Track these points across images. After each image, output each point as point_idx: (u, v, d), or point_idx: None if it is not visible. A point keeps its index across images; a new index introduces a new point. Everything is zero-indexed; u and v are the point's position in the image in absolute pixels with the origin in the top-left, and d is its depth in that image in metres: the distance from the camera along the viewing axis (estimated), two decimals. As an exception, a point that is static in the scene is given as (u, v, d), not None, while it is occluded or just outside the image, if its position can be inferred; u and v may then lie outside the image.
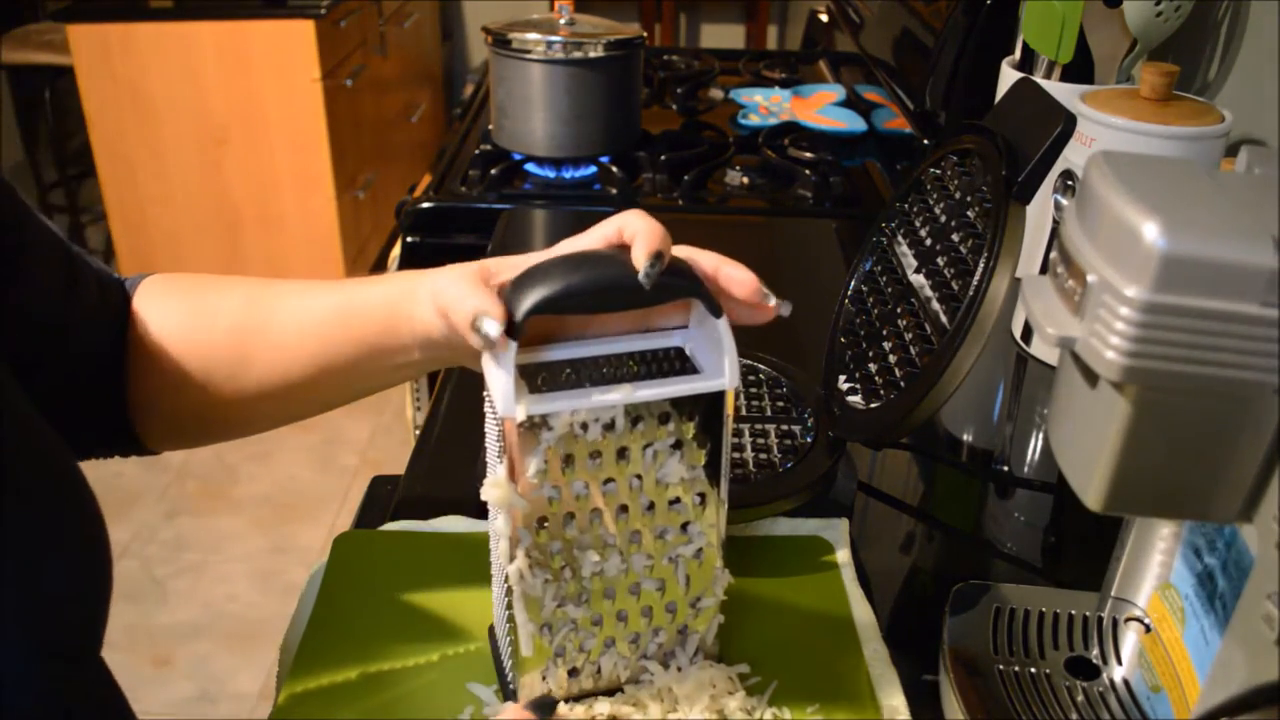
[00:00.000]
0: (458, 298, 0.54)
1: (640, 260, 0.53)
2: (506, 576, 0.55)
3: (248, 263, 2.93)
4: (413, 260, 1.34)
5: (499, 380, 0.52)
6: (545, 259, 0.55)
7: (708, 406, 0.56)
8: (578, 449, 0.54)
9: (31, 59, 3.07)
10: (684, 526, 0.58)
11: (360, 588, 0.69)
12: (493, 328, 0.51)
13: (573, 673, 0.59)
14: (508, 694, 0.60)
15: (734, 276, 0.60)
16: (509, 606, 0.56)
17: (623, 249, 0.55)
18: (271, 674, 0.67)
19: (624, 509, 0.56)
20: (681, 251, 0.58)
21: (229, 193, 2.86)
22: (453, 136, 1.61)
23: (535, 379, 0.56)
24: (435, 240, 1.35)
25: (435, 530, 0.74)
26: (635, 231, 0.54)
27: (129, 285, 0.70)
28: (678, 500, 0.57)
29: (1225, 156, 0.86)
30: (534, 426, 0.52)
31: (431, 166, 1.52)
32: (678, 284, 0.54)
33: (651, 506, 0.57)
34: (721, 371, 0.55)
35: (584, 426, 0.53)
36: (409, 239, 1.34)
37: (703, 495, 0.58)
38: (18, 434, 0.53)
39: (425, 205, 1.35)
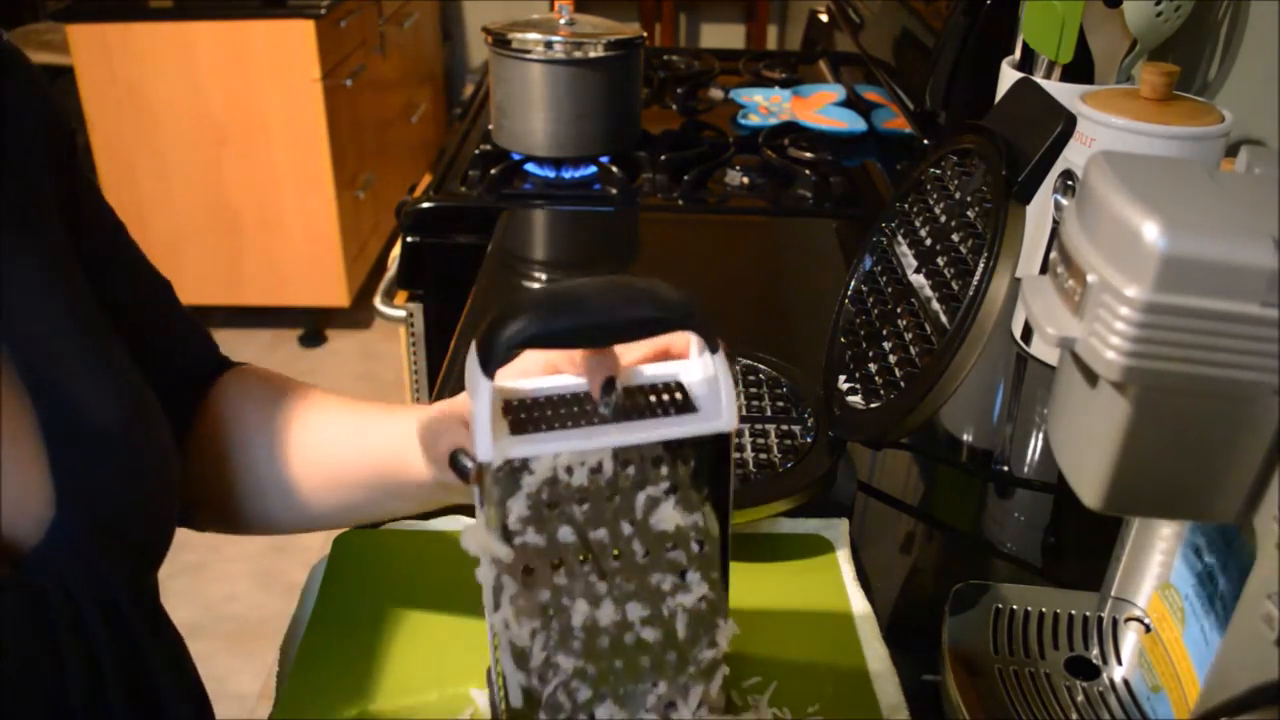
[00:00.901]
0: (434, 432, 0.55)
1: (595, 391, 0.51)
2: (493, 627, 0.52)
3: (248, 263, 2.93)
4: (413, 260, 1.34)
5: (477, 422, 0.48)
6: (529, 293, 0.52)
7: (707, 448, 0.52)
8: (562, 494, 0.50)
9: (31, 59, 3.07)
10: (682, 575, 0.54)
11: (360, 588, 0.69)
12: (468, 463, 0.50)
13: None
14: None
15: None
16: (497, 658, 0.54)
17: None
18: (271, 674, 0.67)
19: (616, 557, 0.53)
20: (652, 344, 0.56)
21: (229, 193, 2.85)
22: (453, 136, 1.61)
23: (523, 417, 0.52)
24: (435, 240, 1.35)
25: (435, 530, 0.74)
26: (589, 362, 0.52)
27: (213, 365, 0.71)
28: (674, 547, 0.53)
29: (1225, 156, 0.86)
30: (514, 470, 0.49)
31: (431, 166, 1.52)
32: (664, 318, 0.49)
33: (647, 554, 0.53)
34: (719, 412, 0.51)
35: (569, 470, 0.50)
36: (409, 239, 1.34)
37: (702, 542, 0.53)
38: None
39: (425, 205, 1.35)
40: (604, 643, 0.54)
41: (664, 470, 0.51)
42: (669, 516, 0.52)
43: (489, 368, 0.48)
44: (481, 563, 0.51)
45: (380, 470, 0.63)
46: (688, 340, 0.55)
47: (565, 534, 0.51)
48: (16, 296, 0.52)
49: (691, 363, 0.54)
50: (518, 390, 0.53)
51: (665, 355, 0.56)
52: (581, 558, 0.52)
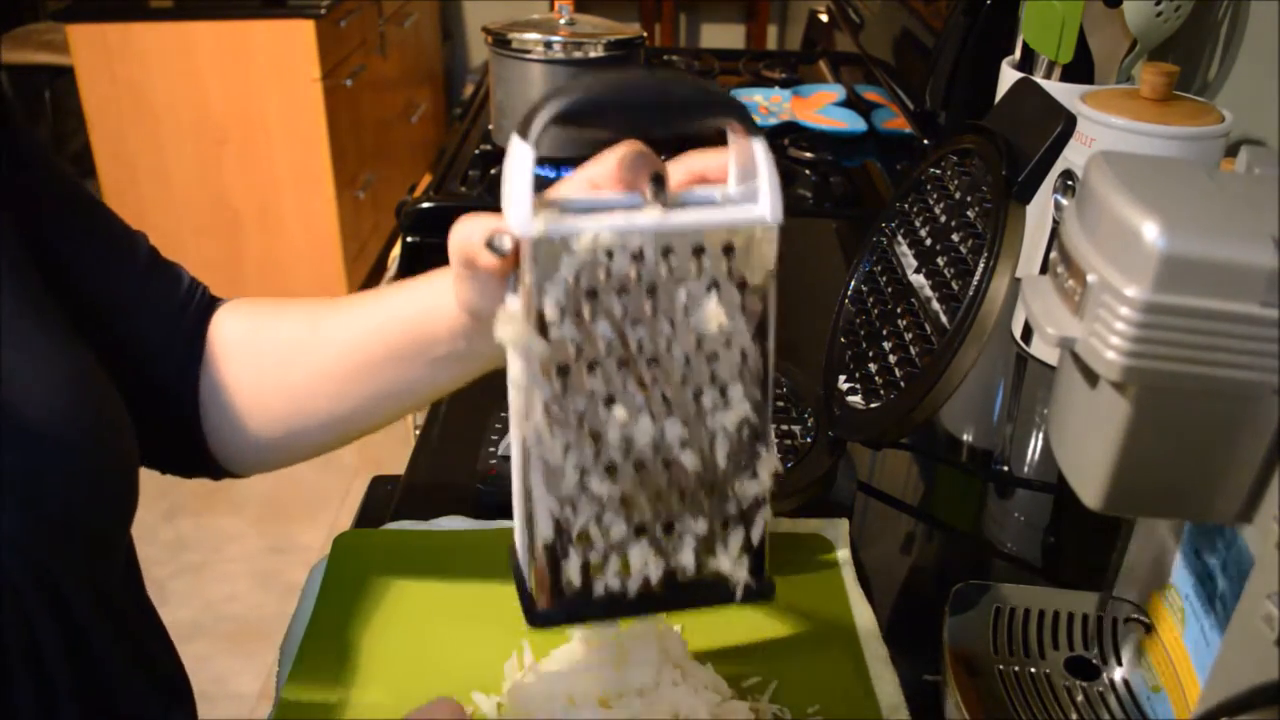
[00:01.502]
0: (467, 231, 0.51)
1: (643, 187, 0.49)
2: (523, 440, 0.48)
3: (248, 263, 2.93)
4: (413, 260, 1.34)
5: (515, 191, 0.46)
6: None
7: (748, 248, 0.49)
8: (603, 281, 0.47)
9: (31, 59, 3.07)
10: (724, 391, 0.50)
11: (360, 588, 0.69)
12: (505, 240, 0.47)
13: (594, 572, 0.51)
14: (530, 610, 0.52)
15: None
16: (526, 479, 0.49)
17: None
18: (271, 674, 0.67)
19: (655, 362, 0.49)
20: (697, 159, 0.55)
21: (229, 193, 2.85)
22: (453, 136, 1.61)
23: (569, 212, 0.48)
24: (435, 240, 1.34)
25: (435, 530, 0.74)
26: (628, 164, 0.51)
27: (205, 306, 0.70)
28: (716, 357, 0.50)
29: (1225, 156, 0.86)
30: (553, 250, 0.46)
31: (431, 166, 1.52)
32: (710, 98, 0.48)
33: (688, 362, 0.49)
34: (762, 202, 0.48)
35: (609, 254, 0.47)
36: (409, 239, 1.34)
37: (745, 354, 0.50)
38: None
39: (425, 205, 1.35)
40: (640, 466, 0.50)
41: (706, 263, 0.48)
42: (712, 314, 0.49)
43: (528, 134, 0.46)
44: (512, 362, 0.48)
45: (410, 333, 0.61)
46: (723, 168, 0.52)
47: (603, 329, 0.48)
48: None
49: (731, 187, 0.52)
50: (559, 199, 0.49)
51: (703, 183, 0.54)
52: (619, 361, 0.49)
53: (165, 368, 0.62)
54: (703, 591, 0.53)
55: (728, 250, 0.49)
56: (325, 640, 0.65)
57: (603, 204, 0.49)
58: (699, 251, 0.48)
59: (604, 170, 0.53)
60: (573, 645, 0.61)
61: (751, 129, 0.49)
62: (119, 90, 2.73)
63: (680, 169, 0.55)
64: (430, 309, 0.60)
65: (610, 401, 0.49)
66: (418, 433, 0.95)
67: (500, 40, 1.36)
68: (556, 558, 0.50)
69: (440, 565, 0.70)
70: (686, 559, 0.52)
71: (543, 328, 0.47)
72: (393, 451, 2.85)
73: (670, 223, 0.48)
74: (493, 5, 3.69)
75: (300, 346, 0.66)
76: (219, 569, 2.25)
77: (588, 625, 0.54)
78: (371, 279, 3.08)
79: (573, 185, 0.55)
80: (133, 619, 0.60)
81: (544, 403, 0.48)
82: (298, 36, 2.67)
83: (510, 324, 0.47)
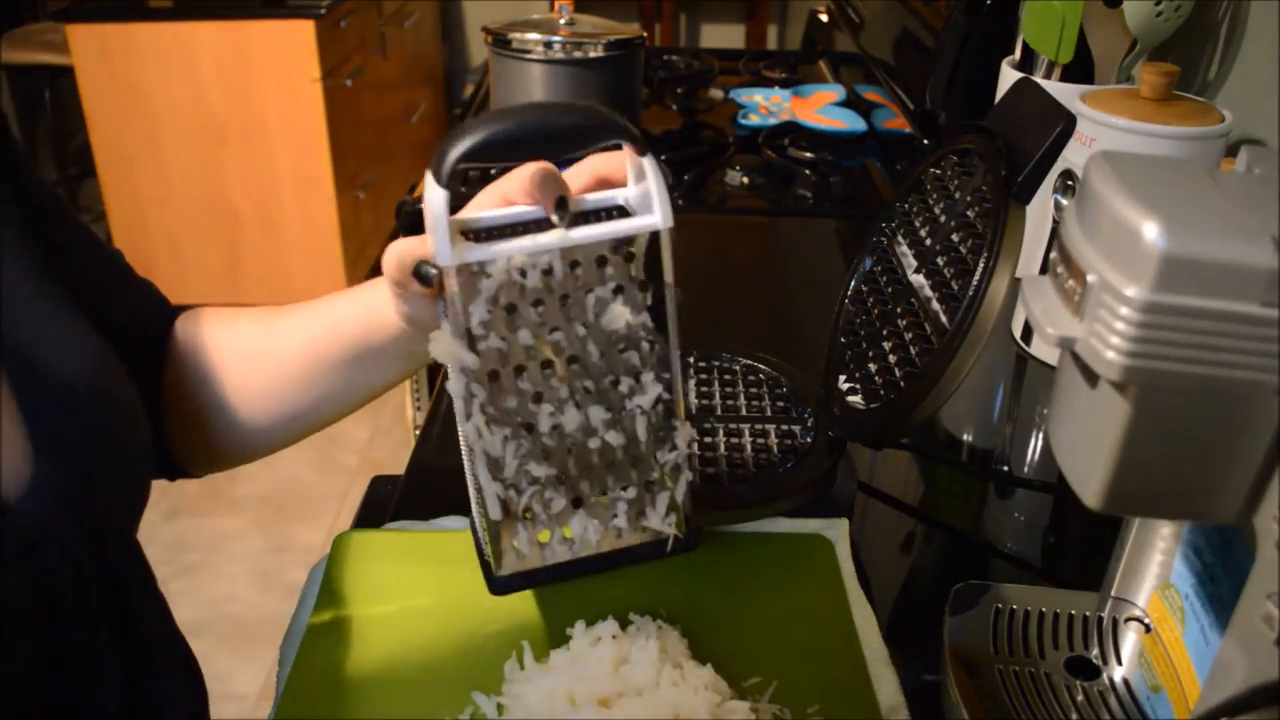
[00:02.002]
0: (397, 256, 0.57)
1: (549, 209, 0.55)
2: (466, 437, 0.55)
3: (248, 263, 2.93)
4: (413, 260, 1.34)
5: (435, 227, 0.52)
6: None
7: (647, 251, 0.56)
8: (519, 297, 0.54)
9: (31, 59, 3.07)
10: (637, 377, 0.58)
11: (360, 588, 0.69)
12: (430, 270, 0.54)
13: (541, 541, 0.59)
14: (490, 577, 0.60)
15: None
16: (474, 470, 0.56)
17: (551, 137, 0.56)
18: (271, 674, 0.67)
19: (575, 360, 0.56)
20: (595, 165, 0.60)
21: (229, 193, 2.85)
22: (453, 136, 1.61)
23: (485, 235, 0.56)
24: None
25: (436, 530, 0.74)
26: (536, 182, 0.56)
27: (169, 314, 0.74)
28: (627, 348, 0.57)
29: (1225, 156, 0.86)
30: (472, 275, 0.53)
31: (431, 166, 1.51)
32: (599, 124, 0.55)
33: (602, 356, 0.57)
34: (654, 212, 0.55)
35: (523, 273, 0.54)
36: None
37: (653, 343, 0.57)
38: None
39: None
40: (571, 448, 0.58)
41: (610, 270, 0.56)
42: (618, 314, 0.56)
43: (440, 177, 0.52)
44: (450, 373, 0.55)
45: (354, 339, 0.66)
46: (622, 168, 0.59)
47: (525, 337, 0.55)
48: None
49: (630, 188, 0.59)
50: (474, 219, 0.57)
51: (602, 182, 0.60)
52: (543, 363, 0.56)
53: (135, 370, 0.64)
54: (638, 549, 0.61)
55: (628, 257, 0.56)
56: (325, 640, 0.65)
57: (514, 218, 0.57)
58: (602, 261, 0.55)
59: (515, 185, 0.59)
60: (573, 646, 0.61)
61: (640, 147, 0.56)
62: (119, 90, 2.73)
63: (583, 172, 0.61)
64: (373, 316, 0.65)
65: (539, 397, 0.56)
66: (418, 433, 0.95)
67: (500, 40, 1.36)
68: (508, 533, 0.58)
69: (440, 565, 0.70)
70: (621, 521, 0.60)
71: (471, 343, 0.54)
72: (393, 452, 2.87)
73: (574, 239, 0.54)
74: (493, 5, 3.69)
75: (255, 352, 0.70)
76: (219, 569, 2.26)
77: (543, 586, 0.61)
78: (371, 279, 3.08)
79: (488, 198, 0.61)
80: (154, 586, 0.63)
81: (480, 405, 0.55)
82: (298, 36, 2.67)
83: (442, 343, 0.54)
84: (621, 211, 0.58)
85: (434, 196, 0.53)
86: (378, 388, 0.71)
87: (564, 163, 0.58)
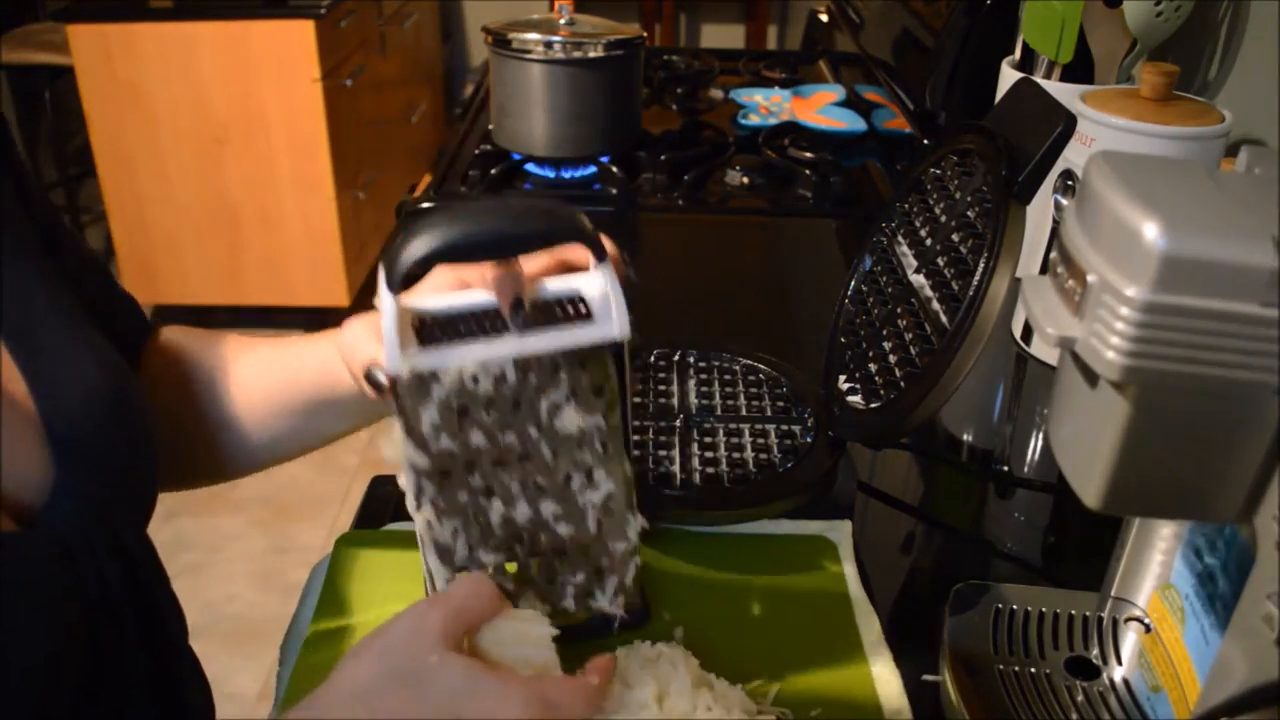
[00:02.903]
0: (351, 347, 0.57)
1: (505, 309, 0.54)
2: (417, 527, 0.56)
3: (248, 263, 2.93)
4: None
5: (386, 335, 0.52)
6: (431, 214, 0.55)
7: (600, 360, 0.55)
8: (471, 401, 0.54)
9: (31, 59, 3.07)
10: (589, 474, 0.58)
11: (361, 588, 0.69)
12: (380, 374, 0.53)
13: None
14: None
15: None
16: (424, 555, 0.57)
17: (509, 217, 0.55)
18: (271, 674, 0.67)
19: (526, 458, 0.56)
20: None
21: (229, 193, 2.85)
22: (453, 136, 1.61)
23: (434, 332, 0.55)
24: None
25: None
26: (493, 280, 0.55)
27: (148, 329, 0.75)
28: (580, 447, 0.57)
29: (1225, 156, 0.86)
30: (424, 380, 0.53)
31: (431, 166, 1.52)
32: (555, 229, 0.54)
33: (555, 455, 0.56)
34: (610, 319, 0.55)
35: (474, 379, 0.53)
36: (409, 239, 1.34)
37: (604, 443, 0.57)
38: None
39: (425, 205, 1.35)
40: (522, 539, 0.58)
41: (563, 376, 0.55)
42: (571, 419, 0.56)
43: (394, 285, 0.52)
44: (401, 469, 0.55)
45: (315, 391, 0.67)
46: (585, 252, 0.57)
47: (477, 439, 0.55)
48: (4, 272, 0.56)
49: (591, 276, 0.57)
50: (429, 307, 0.56)
51: (564, 265, 0.60)
52: (494, 461, 0.56)
53: None
54: (584, 626, 0.61)
55: (582, 364, 0.55)
56: (325, 641, 0.65)
57: (469, 308, 0.56)
58: (556, 367, 0.55)
59: (473, 274, 0.59)
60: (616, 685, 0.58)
61: (598, 254, 0.55)
62: (119, 90, 2.73)
63: (544, 256, 0.60)
64: (331, 372, 0.65)
65: (489, 492, 0.56)
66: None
67: (500, 40, 1.36)
68: None
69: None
70: (569, 603, 0.60)
71: (422, 444, 0.54)
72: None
73: (528, 347, 0.54)
74: (493, 5, 3.69)
75: (218, 382, 0.71)
76: (219, 569, 2.25)
77: None
78: (371, 279, 3.08)
79: (442, 278, 0.60)
80: (166, 579, 0.65)
81: (430, 499, 0.55)
82: (298, 36, 2.67)
83: (392, 445, 0.54)
84: (582, 305, 0.57)
85: (386, 302, 0.52)
86: (336, 435, 0.72)
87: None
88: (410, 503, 0.55)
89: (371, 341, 0.57)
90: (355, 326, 0.59)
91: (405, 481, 0.55)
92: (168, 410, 0.70)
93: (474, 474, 0.56)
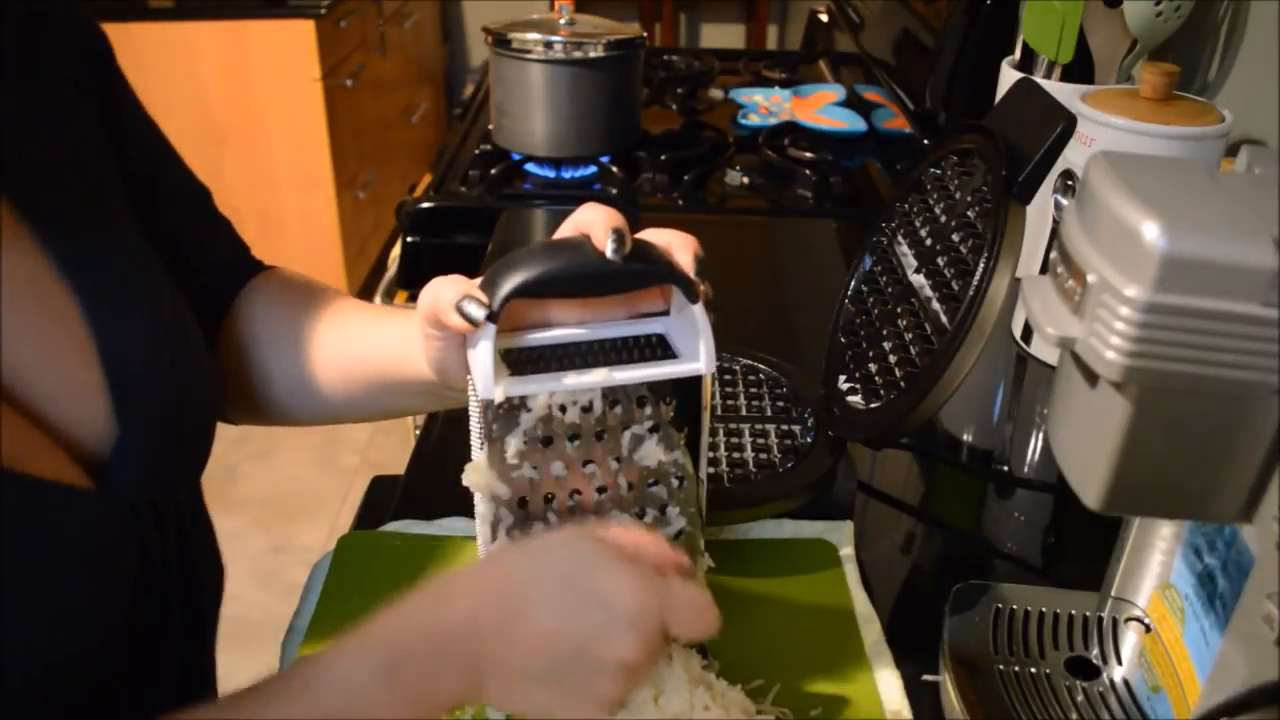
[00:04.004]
0: (434, 300, 0.56)
1: (602, 241, 0.53)
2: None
3: (248, 263, 2.92)
4: (413, 260, 1.34)
5: (479, 363, 0.53)
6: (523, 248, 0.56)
7: (686, 391, 0.56)
8: (556, 430, 0.55)
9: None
10: (663, 509, 0.58)
11: (362, 589, 0.69)
12: (475, 307, 0.53)
13: None
14: None
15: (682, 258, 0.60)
16: None
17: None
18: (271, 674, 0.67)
19: (603, 490, 0.57)
20: (657, 236, 0.58)
21: (229, 193, 2.84)
22: (453, 136, 1.61)
23: (519, 364, 0.56)
24: (435, 240, 1.35)
25: (437, 533, 0.74)
26: (590, 221, 0.55)
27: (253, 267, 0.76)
28: (656, 483, 0.58)
29: (1225, 156, 0.86)
30: (513, 408, 0.54)
31: (431, 166, 1.52)
32: (650, 270, 0.54)
33: (631, 488, 0.57)
34: (698, 356, 0.55)
35: (562, 408, 0.54)
36: (409, 239, 1.34)
37: (681, 480, 0.58)
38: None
39: (425, 205, 1.35)
40: None
41: (648, 410, 0.56)
42: (652, 452, 0.57)
43: (493, 314, 0.53)
44: (478, 499, 0.55)
45: (385, 368, 0.66)
46: (653, 297, 0.59)
47: (557, 469, 0.56)
48: (79, 237, 0.56)
49: (672, 318, 0.59)
50: (516, 341, 0.57)
51: (632, 306, 0.59)
52: (572, 491, 0.57)
53: (200, 310, 0.67)
54: None
55: (667, 399, 0.56)
56: (325, 640, 0.65)
57: (556, 341, 0.57)
58: (642, 401, 0.56)
59: (557, 308, 0.59)
60: None
61: (691, 296, 0.55)
62: (119, 90, 2.73)
63: (619, 301, 0.59)
64: (403, 354, 0.65)
65: (563, 525, 0.57)
66: (418, 433, 0.95)
67: (500, 40, 1.36)
68: None
69: (441, 566, 0.70)
70: None
71: (504, 471, 0.55)
72: (393, 451, 2.86)
73: (617, 379, 0.54)
74: (493, 5, 3.69)
75: (302, 337, 0.71)
76: (219, 569, 2.25)
77: None
78: (371, 279, 3.08)
79: (529, 313, 0.59)
80: (210, 530, 0.68)
81: (505, 528, 0.56)
82: (298, 36, 2.67)
83: (476, 473, 0.55)
84: (662, 343, 0.58)
85: (484, 331, 0.53)
86: (400, 413, 0.73)
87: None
88: (482, 534, 0.56)
89: (458, 284, 0.56)
90: (436, 283, 0.58)
91: (481, 510, 0.56)
92: (248, 354, 0.71)
93: (551, 504, 0.57)
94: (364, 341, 0.68)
